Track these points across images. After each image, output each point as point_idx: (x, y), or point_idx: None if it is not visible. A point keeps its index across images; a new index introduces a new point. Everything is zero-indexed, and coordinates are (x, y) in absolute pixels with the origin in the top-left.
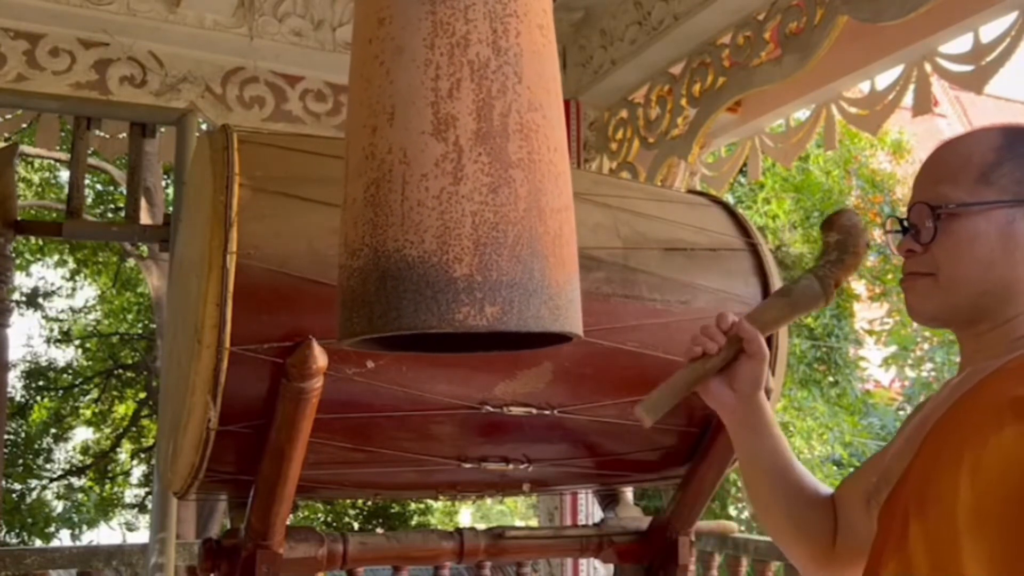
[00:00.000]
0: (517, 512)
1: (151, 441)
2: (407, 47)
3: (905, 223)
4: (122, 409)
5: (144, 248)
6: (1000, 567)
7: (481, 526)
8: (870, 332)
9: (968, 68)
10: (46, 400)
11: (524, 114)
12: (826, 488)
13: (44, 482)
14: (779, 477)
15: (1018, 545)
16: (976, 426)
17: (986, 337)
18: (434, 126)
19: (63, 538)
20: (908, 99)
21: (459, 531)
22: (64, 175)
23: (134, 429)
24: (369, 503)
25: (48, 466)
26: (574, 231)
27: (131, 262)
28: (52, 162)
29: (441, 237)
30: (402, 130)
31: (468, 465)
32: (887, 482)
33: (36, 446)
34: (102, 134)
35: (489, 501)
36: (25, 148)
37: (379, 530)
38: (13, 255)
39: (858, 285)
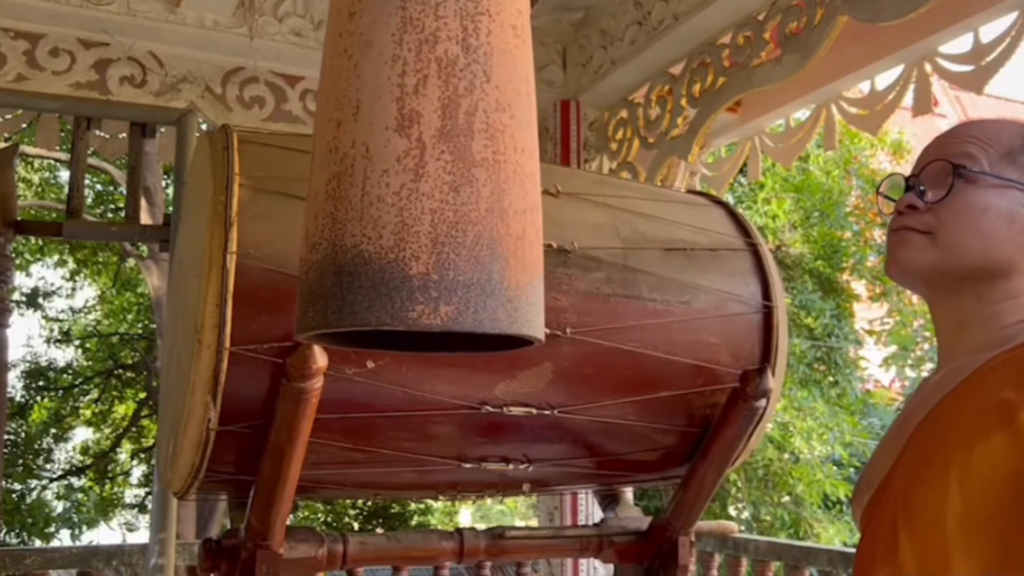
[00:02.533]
0: (517, 512)
1: (151, 441)
2: (375, 42)
3: (911, 181)
4: (122, 409)
5: (144, 248)
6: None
7: (481, 526)
8: (870, 332)
9: (968, 68)
10: (46, 400)
11: (491, 113)
12: None
13: (44, 482)
14: None
15: (1009, 553)
16: (961, 431)
17: (968, 321)
18: (398, 122)
19: (63, 538)
20: (908, 99)
21: (459, 531)
22: (64, 175)
23: (134, 429)
24: (369, 503)
25: (48, 466)
26: (540, 233)
27: (131, 262)
28: (52, 162)
29: (399, 234)
30: (366, 125)
31: (468, 465)
32: (869, 484)
33: (36, 446)
34: (102, 134)
35: (489, 501)
36: (25, 148)
37: (379, 530)
38: (13, 255)
39: (858, 285)
